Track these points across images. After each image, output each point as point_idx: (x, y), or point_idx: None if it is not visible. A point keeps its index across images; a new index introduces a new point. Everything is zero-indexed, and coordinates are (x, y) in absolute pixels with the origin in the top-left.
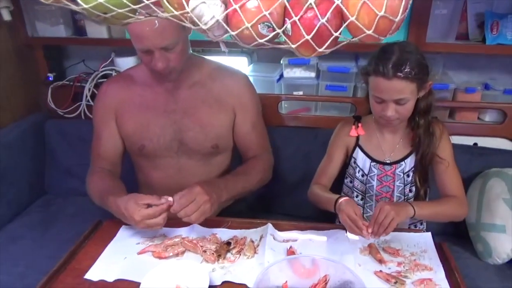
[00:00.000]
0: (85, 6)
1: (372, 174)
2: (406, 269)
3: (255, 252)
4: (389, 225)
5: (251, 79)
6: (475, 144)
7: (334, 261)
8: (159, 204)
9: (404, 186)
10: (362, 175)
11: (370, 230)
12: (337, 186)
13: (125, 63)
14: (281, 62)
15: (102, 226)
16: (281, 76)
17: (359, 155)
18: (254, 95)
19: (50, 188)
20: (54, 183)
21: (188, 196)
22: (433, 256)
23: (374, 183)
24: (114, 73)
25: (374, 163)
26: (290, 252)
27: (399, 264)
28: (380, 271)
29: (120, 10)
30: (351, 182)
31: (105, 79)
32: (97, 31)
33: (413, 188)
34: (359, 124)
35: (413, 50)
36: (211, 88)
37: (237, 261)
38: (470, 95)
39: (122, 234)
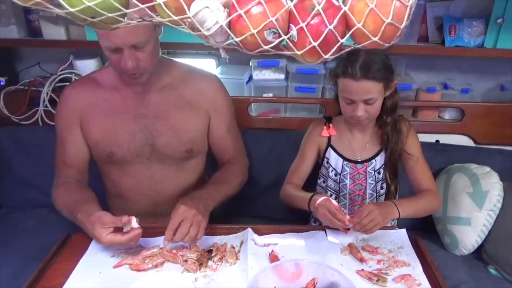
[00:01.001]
0: (70, 9)
1: (345, 172)
2: (386, 266)
3: (237, 258)
4: (372, 229)
5: None
6: (437, 141)
7: (318, 263)
8: (123, 225)
9: (376, 183)
10: (336, 174)
11: (351, 225)
12: (311, 187)
13: (85, 66)
14: (250, 64)
15: (71, 240)
16: (250, 78)
17: (332, 155)
18: (227, 98)
19: (5, 201)
20: (10, 195)
21: (175, 219)
22: (409, 252)
23: (347, 181)
24: (73, 77)
25: (347, 162)
26: (273, 256)
27: (379, 261)
28: (362, 269)
29: (110, 15)
30: (324, 182)
31: (63, 83)
32: (53, 32)
33: (384, 185)
34: (330, 125)
35: (377, 52)
36: (183, 92)
37: (219, 269)
38: (431, 94)
39: (95, 247)
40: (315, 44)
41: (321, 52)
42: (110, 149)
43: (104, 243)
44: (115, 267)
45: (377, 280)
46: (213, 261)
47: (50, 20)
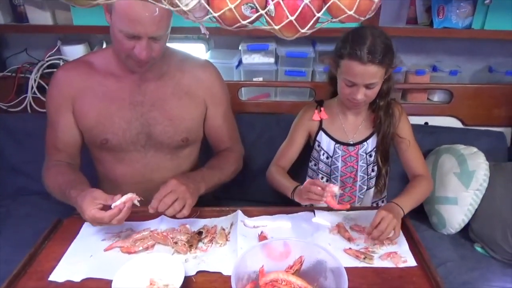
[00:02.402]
0: None
1: (336, 155)
2: (373, 245)
3: (227, 240)
4: (393, 231)
5: None
6: (426, 123)
7: (305, 242)
8: (112, 205)
9: (367, 166)
10: (327, 157)
11: (370, 237)
12: (302, 170)
13: (73, 51)
14: (240, 48)
15: (63, 225)
16: (240, 62)
17: (323, 138)
18: (224, 87)
19: None
20: (1, 183)
21: (163, 190)
22: None
23: (339, 164)
24: (61, 63)
25: (338, 144)
26: (262, 237)
27: (366, 240)
28: (350, 248)
29: None
30: (315, 165)
31: (51, 69)
32: (40, 17)
33: (375, 168)
34: (322, 109)
35: (382, 35)
36: (180, 80)
37: (209, 250)
38: (420, 77)
39: (86, 231)
40: (292, 18)
41: (298, 27)
42: (104, 136)
43: (86, 218)
44: (106, 250)
45: (364, 258)
46: (203, 243)
47: (35, 5)
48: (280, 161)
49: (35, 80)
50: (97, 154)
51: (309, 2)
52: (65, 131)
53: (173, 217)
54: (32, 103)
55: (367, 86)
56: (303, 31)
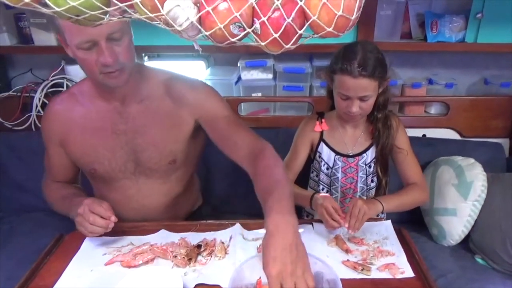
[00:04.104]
0: (56, 9)
1: (336, 166)
2: (371, 256)
3: (226, 253)
4: (362, 218)
5: (209, 83)
6: (424, 135)
7: None
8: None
9: (367, 176)
10: (327, 168)
11: (346, 225)
12: (304, 181)
13: (77, 71)
14: (238, 64)
15: (64, 240)
16: (239, 78)
17: (324, 149)
18: (219, 100)
19: (1, 205)
20: (5, 200)
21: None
22: (394, 242)
23: (339, 175)
24: (65, 82)
25: (338, 156)
26: (261, 249)
27: (364, 252)
28: (348, 260)
29: (92, 13)
30: (317, 176)
31: (56, 89)
32: (44, 38)
33: (375, 179)
34: (323, 120)
35: (374, 50)
36: (161, 103)
37: (208, 263)
38: (416, 90)
39: (87, 246)
40: (276, 35)
41: (282, 43)
42: (91, 166)
43: (84, 203)
44: (106, 264)
45: (362, 270)
46: (203, 256)
47: (40, 27)
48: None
49: (39, 99)
50: (92, 182)
51: (292, 20)
52: (57, 162)
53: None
54: (36, 121)
55: (361, 99)
56: (287, 46)
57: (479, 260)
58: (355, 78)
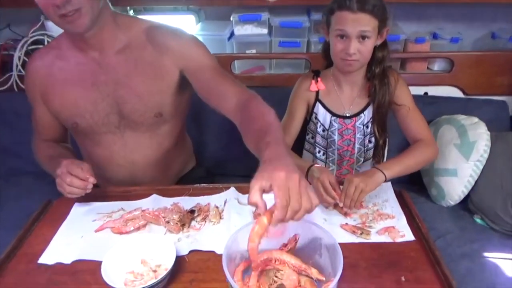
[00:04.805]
0: None
1: (333, 128)
2: (370, 220)
3: (220, 218)
4: (358, 197)
5: (200, 38)
6: (426, 93)
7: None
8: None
9: (364, 137)
10: (323, 130)
11: (341, 204)
12: (298, 143)
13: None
14: (231, 19)
15: (53, 206)
16: (232, 34)
17: (320, 110)
18: (203, 49)
19: None
20: None
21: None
22: (394, 205)
23: (336, 137)
24: (46, 39)
25: (334, 117)
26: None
27: (363, 215)
28: (346, 223)
29: None
30: (312, 138)
31: (36, 46)
32: None
33: (373, 139)
34: (319, 79)
35: None
36: (143, 52)
37: (202, 229)
38: (420, 45)
39: (76, 212)
40: None
41: None
42: (73, 120)
43: (62, 165)
44: (97, 231)
45: (361, 233)
46: (196, 221)
47: None
48: None
49: (19, 58)
50: (76, 138)
51: None
52: (42, 119)
53: None
54: (18, 81)
55: (360, 39)
56: None
57: (478, 220)
58: (354, 12)
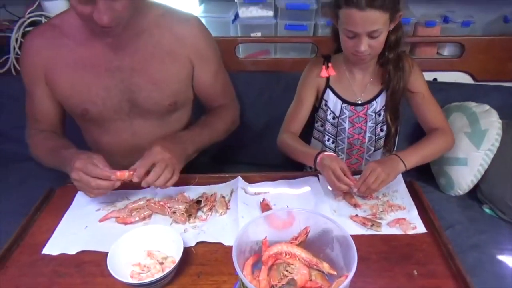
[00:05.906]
0: None
1: (343, 116)
2: (381, 211)
3: (227, 208)
4: (378, 187)
5: (203, 20)
6: (435, 79)
7: (309, 211)
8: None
9: (376, 126)
10: (333, 118)
11: (355, 190)
12: (307, 131)
13: (55, 6)
14: (236, 0)
15: (55, 194)
16: (237, 16)
17: (330, 97)
18: (211, 42)
19: None
20: None
21: (148, 159)
22: (404, 195)
23: (346, 125)
24: (43, 20)
25: (346, 104)
26: (264, 205)
27: (373, 206)
28: (356, 215)
29: None
30: (322, 125)
31: (33, 27)
32: None
33: (384, 127)
34: (330, 64)
35: None
36: (161, 39)
37: (209, 219)
38: (430, 29)
39: (79, 201)
40: None
41: None
42: (83, 106)
43: (75, 166)
44: (101, 221)
45: (372, 225)
46: (203, 212)
47: None
48: (291, 126)
49: (16, 40)
50: (82, 124)
51: None
52: (42, 102)
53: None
54: (16, 64)
55: (370, 36)
56: None
57: (487, 210)
58: (363, 10)
